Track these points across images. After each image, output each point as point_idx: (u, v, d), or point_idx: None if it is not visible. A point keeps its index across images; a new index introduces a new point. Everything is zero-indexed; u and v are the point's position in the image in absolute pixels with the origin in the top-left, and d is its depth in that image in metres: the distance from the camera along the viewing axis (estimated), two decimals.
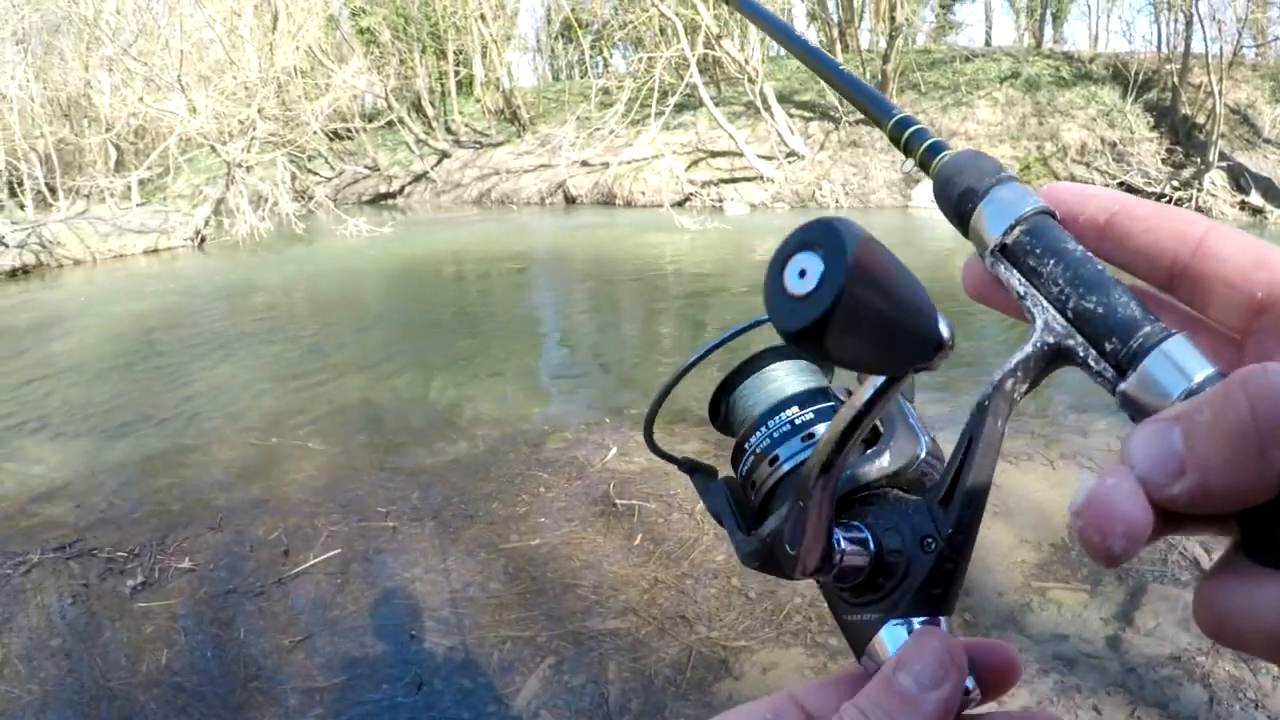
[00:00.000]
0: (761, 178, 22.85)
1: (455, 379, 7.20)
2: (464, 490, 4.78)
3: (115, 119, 22.36)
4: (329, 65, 28.62)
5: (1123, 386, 0.40)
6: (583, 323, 10.17)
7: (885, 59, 23.63)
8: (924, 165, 0.56)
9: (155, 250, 18.86)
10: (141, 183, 23.91)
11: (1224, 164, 21.02)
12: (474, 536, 4.24)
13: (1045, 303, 0.44)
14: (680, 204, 21.16)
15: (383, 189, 31.38)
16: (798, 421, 0.61)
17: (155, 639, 3.63)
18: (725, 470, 0.67)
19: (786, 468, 0.59)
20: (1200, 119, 22.40)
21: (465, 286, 13.50)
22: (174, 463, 5.58)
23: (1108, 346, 0.41)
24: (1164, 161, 22.03)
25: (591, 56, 38.00)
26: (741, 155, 23.02)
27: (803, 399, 0.62)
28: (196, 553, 4.23)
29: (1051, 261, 0.44)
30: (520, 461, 5.16)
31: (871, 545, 0.49)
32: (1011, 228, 0.45)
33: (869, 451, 0.55)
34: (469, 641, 3.54)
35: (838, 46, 25.46)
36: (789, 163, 23.39)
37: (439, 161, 31.07)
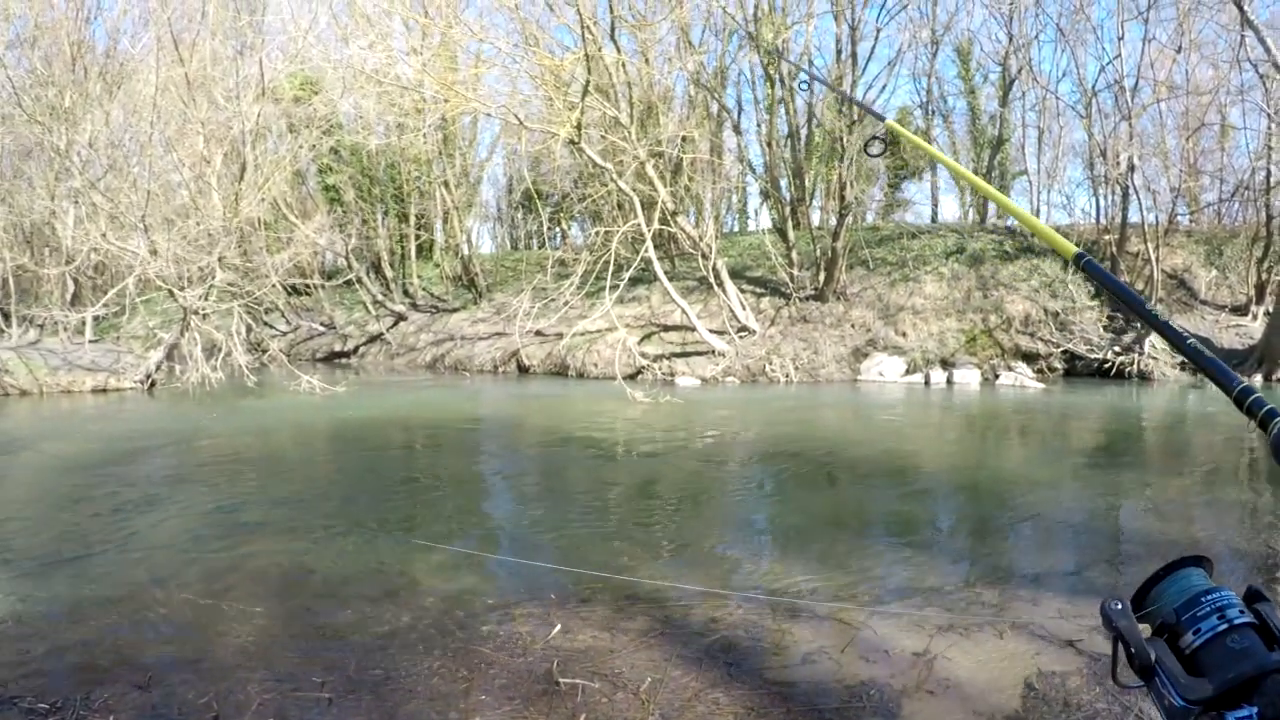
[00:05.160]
0: (713, 352, 23.23)
1: (400, 546, 7.11)
2: (403, 662, 4.68)
3: (76, 252, 22.49)
4: (292, 219, 29.07)
5: None
6: (532, 494, 10.14)
7: (835, 236, 24.49)
8: (1263, 425, 0.82)
9: (104, 390, 18.69)
10: (96, 319, 23.90)
11: None
12: (411, 712, 4.13)
13: None
14: (632, 377, 21.42)
15: (337, 347, 31.50)
16: (1216, 605, 0.88)
17: None
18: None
19: (1206, 637, 0.86)
20: (1139, 285, 23.38)
21: (416, 452, 13.45)
22: (105, 612, 5.42)
23: None
24: (1105, 328, 22.88)
25: (550, 227, 38.91)
26: (694, 330, 23.45)
27: (1211, 592, 0.89)
28: (121, 711, 4.07)
29: None
30: (462, 635, 5.07)
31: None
32: None
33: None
34: None
35: (789, 224, 26.26)
36: (740, 337, 23.87)
37: (395, 323, 31.34)
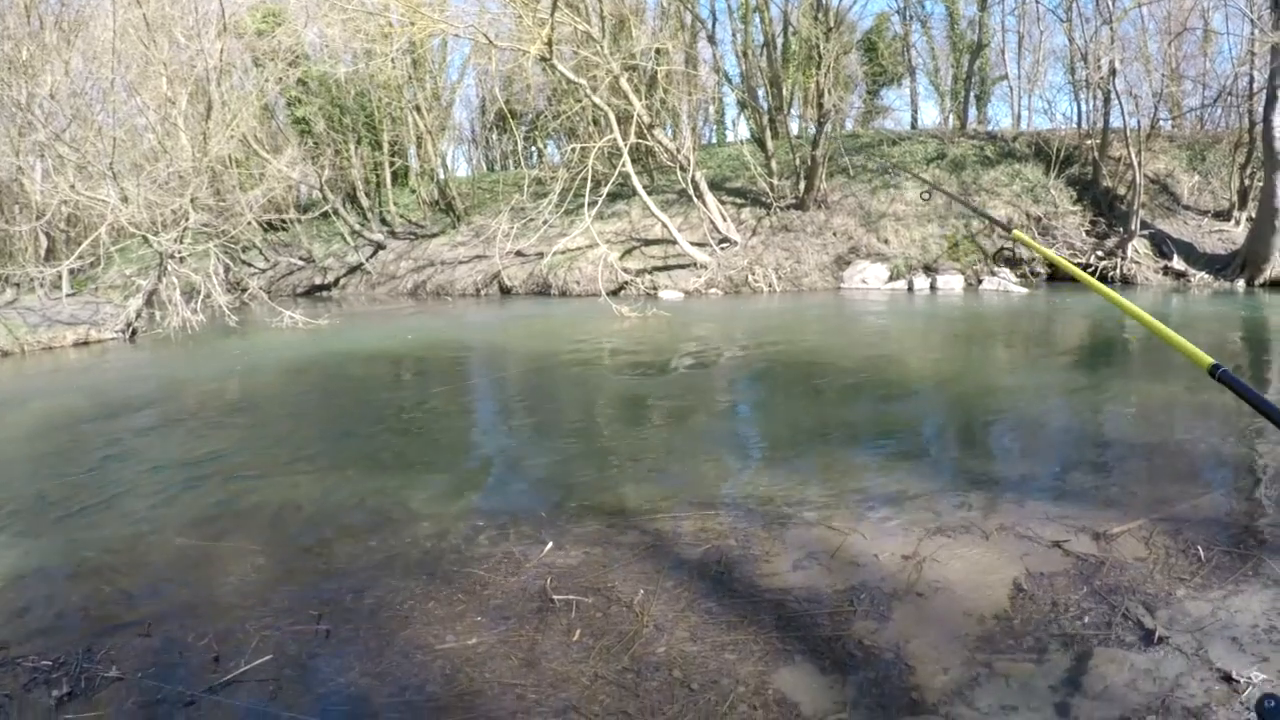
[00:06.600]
0: (696, 264, 23.16)
1: (390, 475, 7.13)
2: (398, 589, 4.72)
3: (46, 206, 22.09)
4: (264, 155, 28.56)
5: None
6: (520, 415, 10.16)
7: (814, 145, 24.23)
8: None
9: (86, 342, 18.51)
10: (72, 272, 23.60)
11: (1146, 232, 21.90)
12: (410, 637, 4.19)
13: None
14: (615, 293, 21.38)
15: (318, 280, 31.24)
16: None
17: None
18: None
19: None
20: (1121, 190, 23.34)
21: (401, 380, 13.43)
22: (101, 564, 5.44)
23: None
24: (1088, 233, 22.88)
25: (525, 147, 38.39)
26: (675, 243, 23.34)
27: None
28: (124, 660, 4.11)
29: None
30: (456, 559, 5.12)
31: None
32: None
33: None
34: None
35: (768, 134, 25.96)
36: (722, 249, 23.78)
37: (374, 253, 31.06)
